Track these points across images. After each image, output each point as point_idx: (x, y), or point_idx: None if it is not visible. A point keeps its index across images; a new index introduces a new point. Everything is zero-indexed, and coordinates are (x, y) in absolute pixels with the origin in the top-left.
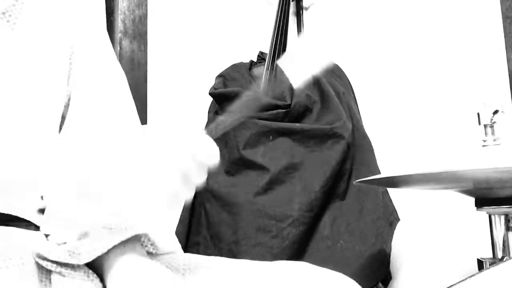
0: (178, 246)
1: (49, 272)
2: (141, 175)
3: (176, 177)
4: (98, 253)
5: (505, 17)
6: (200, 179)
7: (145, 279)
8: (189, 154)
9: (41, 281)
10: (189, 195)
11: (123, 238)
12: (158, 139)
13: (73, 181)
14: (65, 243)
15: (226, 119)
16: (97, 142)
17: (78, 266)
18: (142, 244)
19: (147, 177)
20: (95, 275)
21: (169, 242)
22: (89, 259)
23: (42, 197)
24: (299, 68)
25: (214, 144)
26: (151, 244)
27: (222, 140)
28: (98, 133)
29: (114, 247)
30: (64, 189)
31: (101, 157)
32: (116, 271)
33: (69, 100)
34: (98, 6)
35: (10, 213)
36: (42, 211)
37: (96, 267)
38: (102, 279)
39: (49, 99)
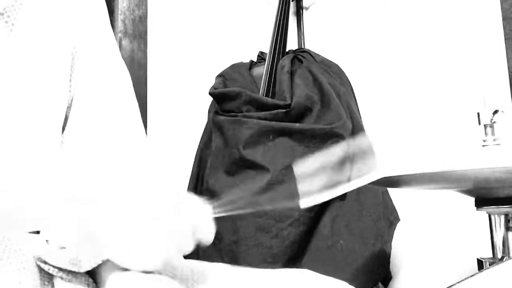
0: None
1: (50, 276)
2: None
3: (170, 243)
4: (99, 261)
5: (505, 17)
6: (188, 249)
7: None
8: (187, 228)
9: (43, 285)
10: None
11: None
12: (163, 200)
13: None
14: (64, 247)
15: (233, 203)
16: (98, 151)
17: (79, 273)
18: None
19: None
20: (94, 284)
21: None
22: (89, 267)
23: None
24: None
25: (213, 225)
26: None
27: (222, 140)
28: (99, 138)
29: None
30: (64, 197)
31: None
32: (115, 280)
33: (71, 100)
34: (101, 4)
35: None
36: (43, 215)
37: (95, 274)
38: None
39: (51, 100)
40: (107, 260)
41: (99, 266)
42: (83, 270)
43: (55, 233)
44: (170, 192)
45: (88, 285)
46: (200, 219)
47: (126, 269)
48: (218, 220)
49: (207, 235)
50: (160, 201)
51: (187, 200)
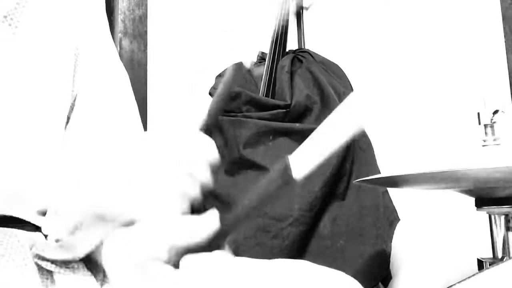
0: None
1: (50, 272)
2: (146, 178)
3: (181, 175)
4: (94, 244)
5: (505, 17)
6: (204, 175)
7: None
8: (189, 154)
9: (44, 281)
10: (195, 193)
11: (118, 227)
12: (158, 143)
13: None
14: (61, 239)
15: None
16: (97, 146)
17: (78, 267)
18: None
19: (153, 179)
20: (93, 277)
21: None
22: (86, 251)
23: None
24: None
25: (211, 140)
26: None
27: (222, 140)
28: (99, 136)
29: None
30: (64, 191)
31: (104, 163)
32: (114, 274)
33: (74, 101)
34: (101, 6)
35: (11, 215)
36: (43, 213)
37: (94, 269)
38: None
39: (53, 102)
40: (103, 249)
41: (98, 260)
42: (78, 255)
43: (53, 223)
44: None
45: (86, 278)
46: (195, 141)
47: (130, 260)
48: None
49: (210, 151)
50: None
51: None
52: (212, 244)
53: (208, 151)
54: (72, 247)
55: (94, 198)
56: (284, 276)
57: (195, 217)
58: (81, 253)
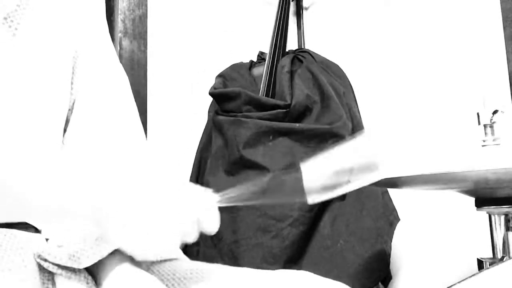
0: (181, 254)
1: (51, 274)
2: (146, 190)
3: (175, 231)
4: (98, 258)
5: (505, 17)
6: (192, 237)
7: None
8: (192, 216)
9: (43, 283)
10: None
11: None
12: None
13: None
14: (62, 245)
15: (237, 193)
16: (99, 149)
17: (79, 270)
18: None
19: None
20: (94, 281)
21: (171, 250)
22: (89, 263)
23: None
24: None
25: (217, 214)
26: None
27: (222, 140)
28: (99, 140)
29: (112, 253)
30: (64, 193)
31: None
32: (112, 279)
33: (73, 103)
34: (100, 8)
35: (13, 221)
36: (43, 216)
37: (93, 273)
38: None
39: (52, 104)
40: (106, 257)
41: (97, 263)
42: (82, 266)
43: (55, 231)
44: (174, 183)
45: (87, 282)
46: (204, 209)
47: (124, 266)
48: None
49: (211, 224)
50: (165, 190)
51: (191, 189)
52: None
53: (211, 222)
54: (76, 256)
55: (94, 201)
56: (282, 286)
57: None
58: (82, 264)
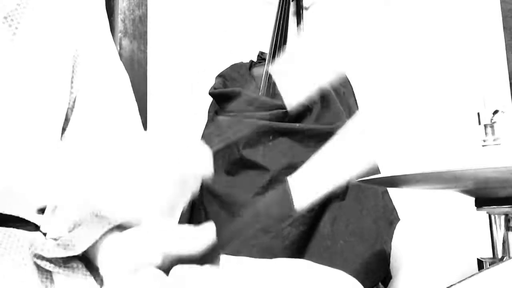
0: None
1: (49, 272)
2: (139, 180)
3: (173, 184)
4: (92, 241)
5: (505, 18)
6: (194, 186)
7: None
8: (185, 163)
9: (43, 280)
10: (184, 202)
11: (115, 224)
12: (156, 147)
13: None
14: (60, 237)
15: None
16: (97, 146)
17: (77, 267)
18: None
19: (145, 182)
20: (92, 277)
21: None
22: (84, 248)
23: (42, 198)
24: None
25: (209, 155)
26: None
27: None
28: (99, 137)
29: (106, 234)
30: (63, 190)
31: (103, 163)
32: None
33: (74, 102)
34: (101, 8)
35: (11, 214)
36: (42, 211)
37: (91, 259)
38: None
39: (52, 103)
40: (101, 246)
41: (94, 248)
42: (78, 252)
43: (49, 224)
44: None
45: (85, 278)
46: (194, 153)
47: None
48: (218, 220)
49: (205, 166)
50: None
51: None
52: (205, 258)
53: (203, 163)
54: (71, 244)
55: (92, 197)
56: (284, 275)
57: (192, 228)
58: (79, 250)
